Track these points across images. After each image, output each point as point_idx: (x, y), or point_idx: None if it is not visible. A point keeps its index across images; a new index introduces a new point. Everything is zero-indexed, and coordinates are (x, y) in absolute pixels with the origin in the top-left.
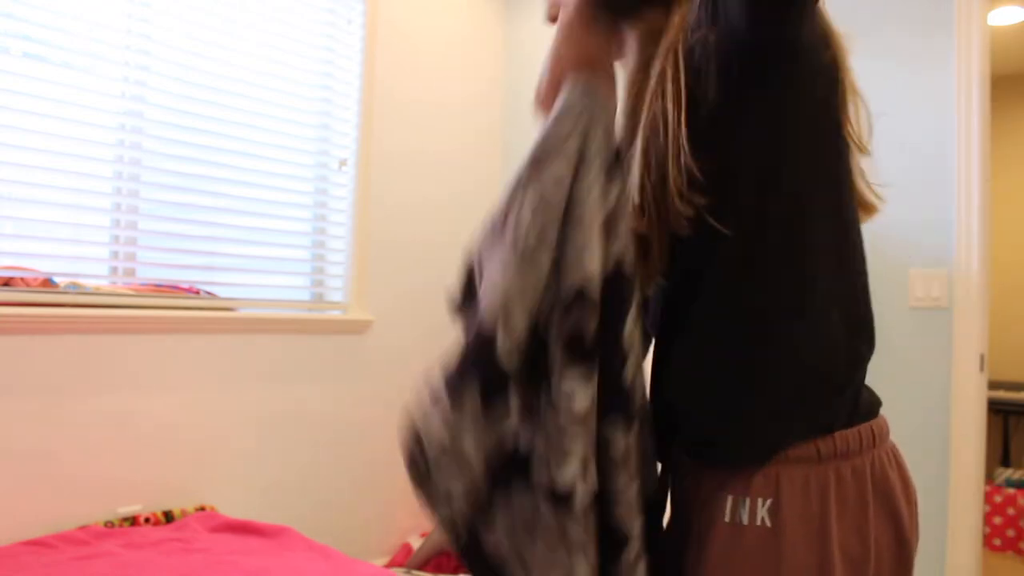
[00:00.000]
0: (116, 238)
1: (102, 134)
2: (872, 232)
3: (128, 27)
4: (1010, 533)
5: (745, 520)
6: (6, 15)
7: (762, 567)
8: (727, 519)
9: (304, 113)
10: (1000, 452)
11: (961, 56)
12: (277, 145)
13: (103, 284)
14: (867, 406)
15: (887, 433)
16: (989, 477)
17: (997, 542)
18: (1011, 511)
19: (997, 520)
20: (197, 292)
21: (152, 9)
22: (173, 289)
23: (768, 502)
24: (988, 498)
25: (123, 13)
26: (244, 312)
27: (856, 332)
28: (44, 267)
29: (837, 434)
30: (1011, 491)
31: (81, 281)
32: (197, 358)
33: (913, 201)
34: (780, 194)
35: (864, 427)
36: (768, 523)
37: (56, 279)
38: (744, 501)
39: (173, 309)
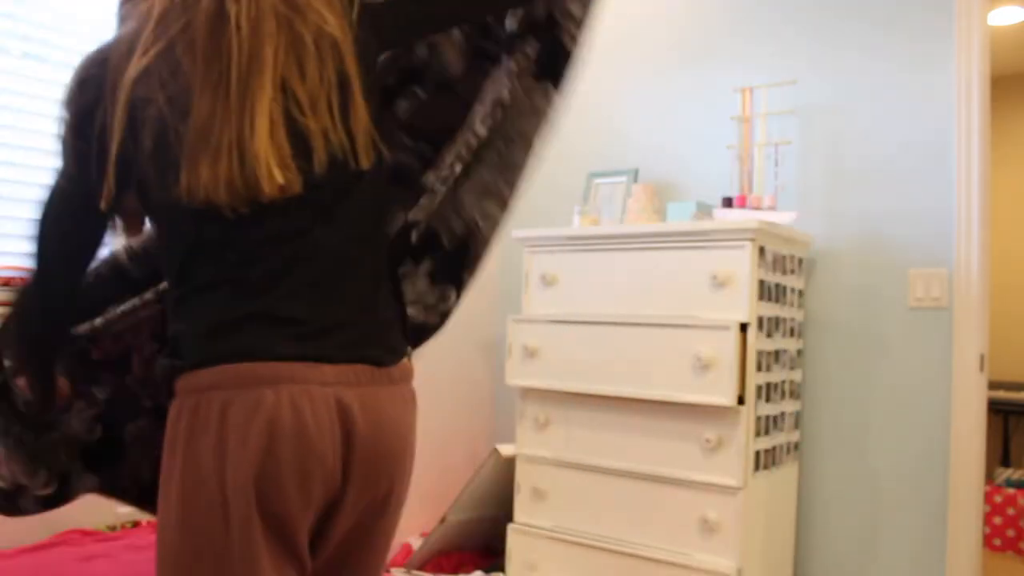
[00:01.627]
0: None
1: None
2: (872, 232)
3: None
4: (1010, 533)
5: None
6: (6, 15)
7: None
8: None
9: None
10: (1000, 452)
11: (961, 56)
12: None
13: None
14: (217, 355)
15: (234, 381)
16: (989, 477)
17: (997, 542)
18: (1011, 511)
19: (997, 520)
20: None
21: None
22: None
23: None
24: (988, 498)
25: None
26: None
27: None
28: None
29: (191, 374)
30: (1011, 491)
31: None
32: None
33: (913, 201)
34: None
35: (215, 369)
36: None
37: None
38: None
39: None
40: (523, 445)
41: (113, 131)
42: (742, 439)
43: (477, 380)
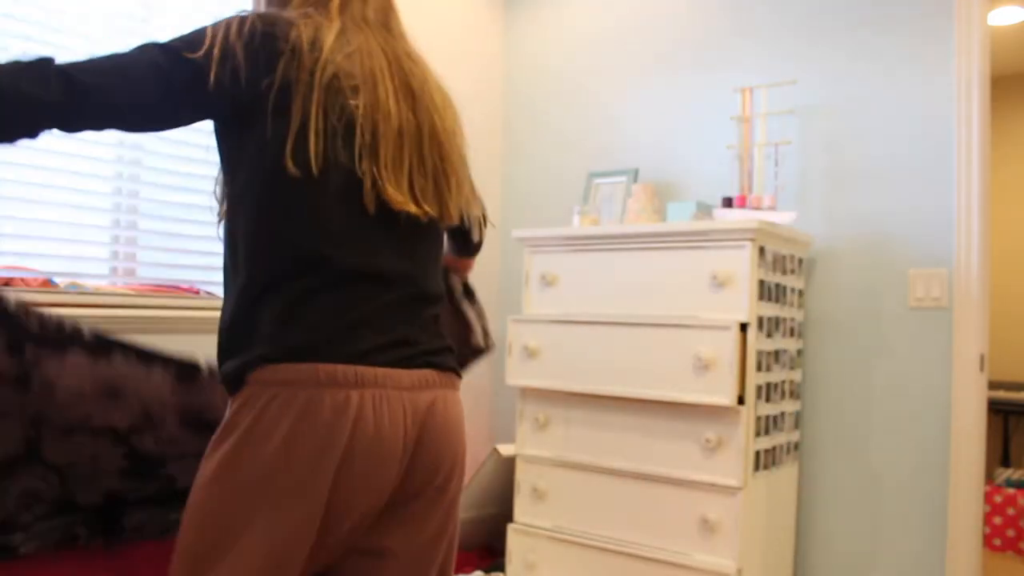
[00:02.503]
0: (116, 238)
1: (102, 133)
2: (872, 232)
3: (129, 27)
4: (1010, 533)
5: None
6: (6, 15)
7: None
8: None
9: None
10: (1000, 452)
11: (961, 56)
12: None
13: (103, 284)
14: (292, 352)
15: (322, 380)
16: (989, 477)
17: (997, 542)
18: (1011, 511)
19: (997, 520)
20: (197, 292)
21: (152, 9)
22: (173, 289)
23: (236, 405)
24: (988, 498)
25: (123, 13)
26: None
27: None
28: (44, 267)
29: (266, 368)
30: (1011, 491)
31: (81, 281)
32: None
33: (913, 201)
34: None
35: (293, 367)
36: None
37: (56, 279)
38: (232, 406)
39: (173, 309)
40: (523, 445)
41: (308, 105)
42: (742, 439)
43: (477, 380)
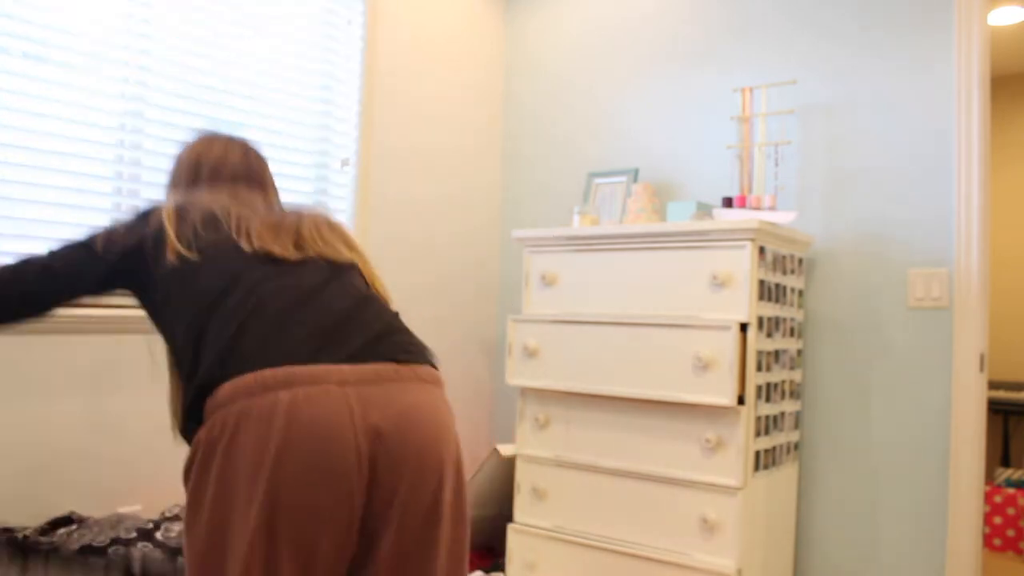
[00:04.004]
0: None
1: (102, 134)
2: (872, 232)
3: (128, 27)
4: (1010, 533)
5: None
6: (6, 15)
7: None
8: None
9: (304, 113)
10: (1000, 452)
11: (961, 56)
12: (277, 145)
13: None
14: (227, 372)
15: (253, 389)
16: (989, 477)
17: (997, 542)
18: (1011, 511)
19: (997, 520)
20: None
21: (152, 9)
22: None
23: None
24: (988, 498)
25: (123, 13)
26: None
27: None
28: None
29: (212, 395)
30: (1011, 491)
31: None
32: None
33: (913, 201)
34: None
35: (232, 383)
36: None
37: None
38: None
39: None
40: (523, 445)
41: (167, 229)
42: (742, 439)
43: (477, 380)
